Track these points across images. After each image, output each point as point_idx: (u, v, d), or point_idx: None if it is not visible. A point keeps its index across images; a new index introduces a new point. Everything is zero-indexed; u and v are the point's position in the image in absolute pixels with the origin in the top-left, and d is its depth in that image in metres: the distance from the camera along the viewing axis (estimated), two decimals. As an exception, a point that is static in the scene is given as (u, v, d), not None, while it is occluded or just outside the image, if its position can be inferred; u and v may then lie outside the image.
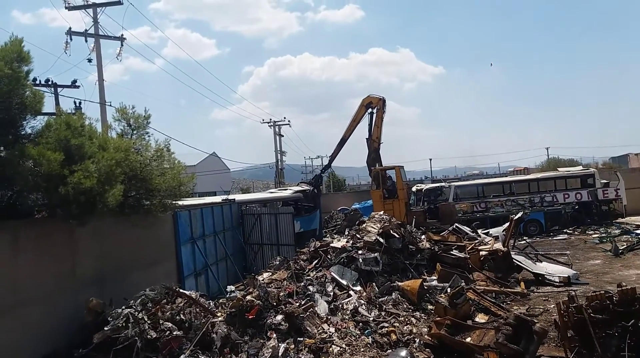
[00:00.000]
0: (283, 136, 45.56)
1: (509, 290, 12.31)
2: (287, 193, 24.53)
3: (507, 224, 15.89)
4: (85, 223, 8.37)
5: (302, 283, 10.66)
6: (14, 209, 7.94)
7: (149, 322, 7.74)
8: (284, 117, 45.53)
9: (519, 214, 16.21)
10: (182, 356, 7.36)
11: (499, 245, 14.46)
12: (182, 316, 8.12)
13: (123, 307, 8.07)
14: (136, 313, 7.82)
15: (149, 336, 7.49)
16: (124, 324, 7.60)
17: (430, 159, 73.36)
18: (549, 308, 10.80)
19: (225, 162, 54.79)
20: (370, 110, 24.18)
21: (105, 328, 7.56)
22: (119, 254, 9.77)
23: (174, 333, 7.64)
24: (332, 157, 24.70)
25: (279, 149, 44.54)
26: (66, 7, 19.54)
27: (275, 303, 8.96)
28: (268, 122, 45.04)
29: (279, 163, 44.47)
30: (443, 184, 29.07)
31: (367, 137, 24.17)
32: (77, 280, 8.51)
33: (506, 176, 42.98)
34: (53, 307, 7.81)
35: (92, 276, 8.90)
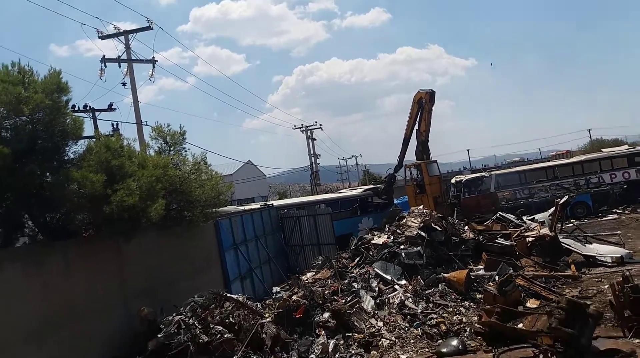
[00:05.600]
0: (316, 139, 45.79)
1: (560, 273, 11.95)
2: (357, 191, 25.40)
3: (553, 209, 15.43)
4: (131, 238, 8.67)
5: (346, 281, 10.66)
6: (63, 230, 8.31)
7: (199, 327, 7.92)
8: (316, 122, 45.69)
9: (565, 198, 15.72)
10: (234, 357, 7.51)
11: (545, 230, 14.04)
12: (231, 319, 8.27)
13: (174, 314, 8.29)
14: (187, 319, 8.02)
15: (200, 340, 7.67)
16: (176, 330, 7.82)
17: (468, 150, 70.99)
18: (603, 289, 10.42)
19: (261, 168, 55.32)
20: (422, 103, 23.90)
21: (159, 336, 7.79)
22: (165, 265, 10.03)
23: (225, 336, 7.79)
24: (401, 157, 24.77)
25: (312, 152, 44.73)
26: (100, 37, 20.39)
27: (321, 302, 9.02)
28: (300, 128, 45.32)
29: (314, 165, 44.64)
30: (484, 173, 28.46)
31: (417, 129, 23.98)
32: (128, 293, 8.80)
33: (548, 161, 41.71)
34: (107, 319, 8.10)
35: (142, 288, 9.15)
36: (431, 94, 23.53)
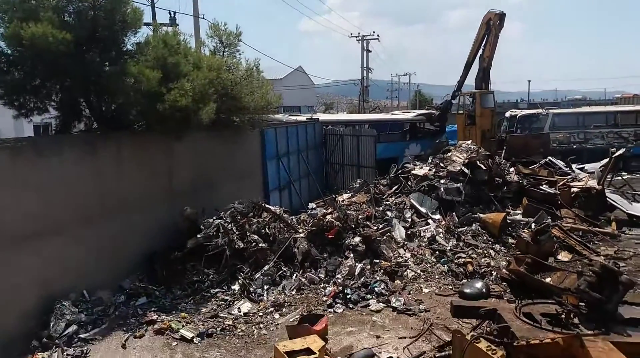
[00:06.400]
0: (371, 51, 44.16)
1: (598, 229, 11.73)
2: (410, 115, 25.06)
3: (606, 160, 14.79)
4: (181, 138, 8.93)
5: (381, 208, 10.80)
6: (117, 122, 8.59)
7: (237, 233, 8.36)
8: (373, 32, 44.00)
9: (621, 151, 14.95)
10: (266, 266, 7.99)
11: (593, 183, 13.60)
12: (267, 230, 8.67)
13: (214, 217, 8.73)
14: (226, 224, 8.45)
15: (236, 246, 8.14)
16: (214, 233, 8.28)
17: (529, 81, 66.87)
18: (640, 252, 10.25)
19: (311, 77, 54.62)
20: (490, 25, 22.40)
21: (198, 236, 8.28)
22: (210, 167, 10.39)
23: (260, 245, 8.22)
24: (460, 82, 23.69)
25: (365, 65, 43.45)
26: None
27: (353, 226, 9.26)
28: (356, 37, 43.71)
29: (365, 80, 43.58)
30: (540, 111, 27.13)
31: (480, 54, 22.73)
32: (173, 190, 9.24)
33: (612, 105, 39.35)
34: (152, 213, 8.59)
35: (187, 186, 9.59)
36: (501, 16, 21.88)
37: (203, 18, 20.50)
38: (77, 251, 7.14)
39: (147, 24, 11.73)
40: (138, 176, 8.46)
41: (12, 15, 7.01)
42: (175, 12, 22.34)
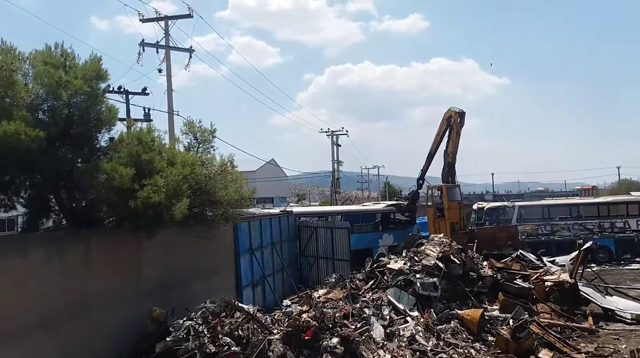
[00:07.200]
0: (340, 146, 45.65)
1: (576, 324, 11.64)
2: (381, 206, 26.01)
3: (575, 253, 15.03)
4: (153, 235, 8.69)
5: (358, 305, 10.51)
6: (87, 218, 8.37)
7: (208, 335, 7.91)
8: (342, 127, 45.59)
9: (588, 244, 15.27)
10: (239, 373, 7.47)
11: (565, 276, 13.70)
12: (240, 332, 8.22)
13: (184, 318, 8.30)
14: (197, 326, 8.01)
15: (208, 350, 7.65)
16: (184, 336, 7.82)
17: (493, 174, 69.93)
18: (620, 349, 10.12)
19: (283, 169, 55.64)
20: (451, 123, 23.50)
21: (167, 339, 7.81)
22: (181, 264, 10.07)
23: (232, 349, 7.75)
24: (423, 172, 24.58)
25: (336, 159, 44.59)
26: (140, 20, 20.55)
27: (331, 325, 8.88)
28: (326, 132, 45.22)
29: (336, 172, 44.52)
30: (506, 203, 27.92)
31: (445, 150, 23.67)
32: (142, 289, 8.85)
33: (573, 196, 41.03)
34: (119, 314, 8.15)
35: (156, 285, 9.21)
36: (461, 115, 23.07)
37: (177, 114, 21.01)
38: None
39: (121, 120, 11.87)
40: (105, 274, 8.09)
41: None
42: (149, 109, 22.81)
